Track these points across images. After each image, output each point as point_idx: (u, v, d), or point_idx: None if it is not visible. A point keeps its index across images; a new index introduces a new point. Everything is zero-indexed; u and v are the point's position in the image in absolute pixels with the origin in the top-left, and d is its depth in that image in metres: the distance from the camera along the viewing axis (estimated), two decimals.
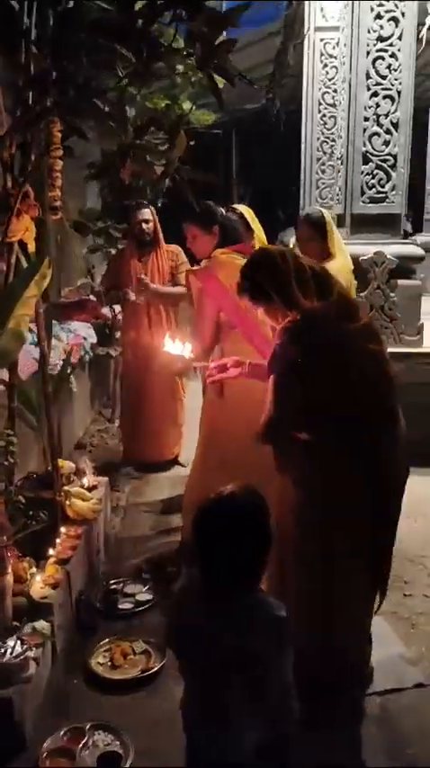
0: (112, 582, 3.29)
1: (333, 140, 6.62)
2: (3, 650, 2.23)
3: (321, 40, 6.91)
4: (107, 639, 2.83)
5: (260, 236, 4.14)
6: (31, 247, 2.76)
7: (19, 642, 2.26)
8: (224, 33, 2.60)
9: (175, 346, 2.80)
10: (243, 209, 4.13)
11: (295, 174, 7.38)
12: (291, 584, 2.35)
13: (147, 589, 3.25)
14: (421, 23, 6.71)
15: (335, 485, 2.21)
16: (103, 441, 5.65)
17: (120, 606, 3.11)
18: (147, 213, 4.76)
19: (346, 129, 4.95)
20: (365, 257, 4.84)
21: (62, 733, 2.27)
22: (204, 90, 5.95)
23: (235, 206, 4.18)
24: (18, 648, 2.23)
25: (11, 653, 2.21)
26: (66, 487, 3.40)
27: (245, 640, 1.64)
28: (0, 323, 2.36)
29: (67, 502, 3.30)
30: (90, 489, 3.64)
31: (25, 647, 2.25)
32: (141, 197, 5.57)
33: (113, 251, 6.15)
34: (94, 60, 2.62)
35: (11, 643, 2.25)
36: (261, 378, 2.39)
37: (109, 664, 2.70)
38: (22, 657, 2.21)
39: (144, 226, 4.73)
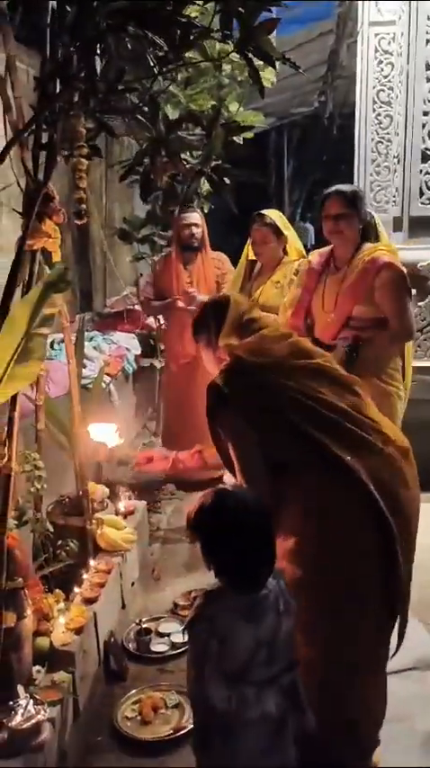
0: (145, 620, 2.99)
1: (388, 140, 6.25)
2: (13, 711, 1.95)
3: (376, 35, 6.53)
4: (135, 690, 2.55)
5: (293, 242, 3.89)
6: (56, 256, 2.51)
7: (32, 701, 1.99)
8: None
9: (100, 433, 2.86)
10: (274, 215, 3.89)
11: (348, 176, 7.05)
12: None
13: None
14: None
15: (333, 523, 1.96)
16: None
17: (152, 648, 2.83)
18: (195, 217, 4.50)
19: (403, 126, 4.61)
20: (424, 263, 4.48)
21: None
22: (252, 90, 5.69)
23: (263, 212, 3.92)
24: (30, 709, 1.96)
25: (22, 714, 1.94)
26: (98, 514, 3.15)
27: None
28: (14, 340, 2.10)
29: (99, 531, 3.04)
30: (125, 516, 3.39)
31: (38, 707, 1.97)
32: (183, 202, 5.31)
33: (157, 258, 5.94)
34: (122, 51, 2.36)
35: (22, 702, 1.98)
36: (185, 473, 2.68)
37: (138, 719, 2.43)
38: (33, 721, 1.93)
39: (194, 230, 4.47)
